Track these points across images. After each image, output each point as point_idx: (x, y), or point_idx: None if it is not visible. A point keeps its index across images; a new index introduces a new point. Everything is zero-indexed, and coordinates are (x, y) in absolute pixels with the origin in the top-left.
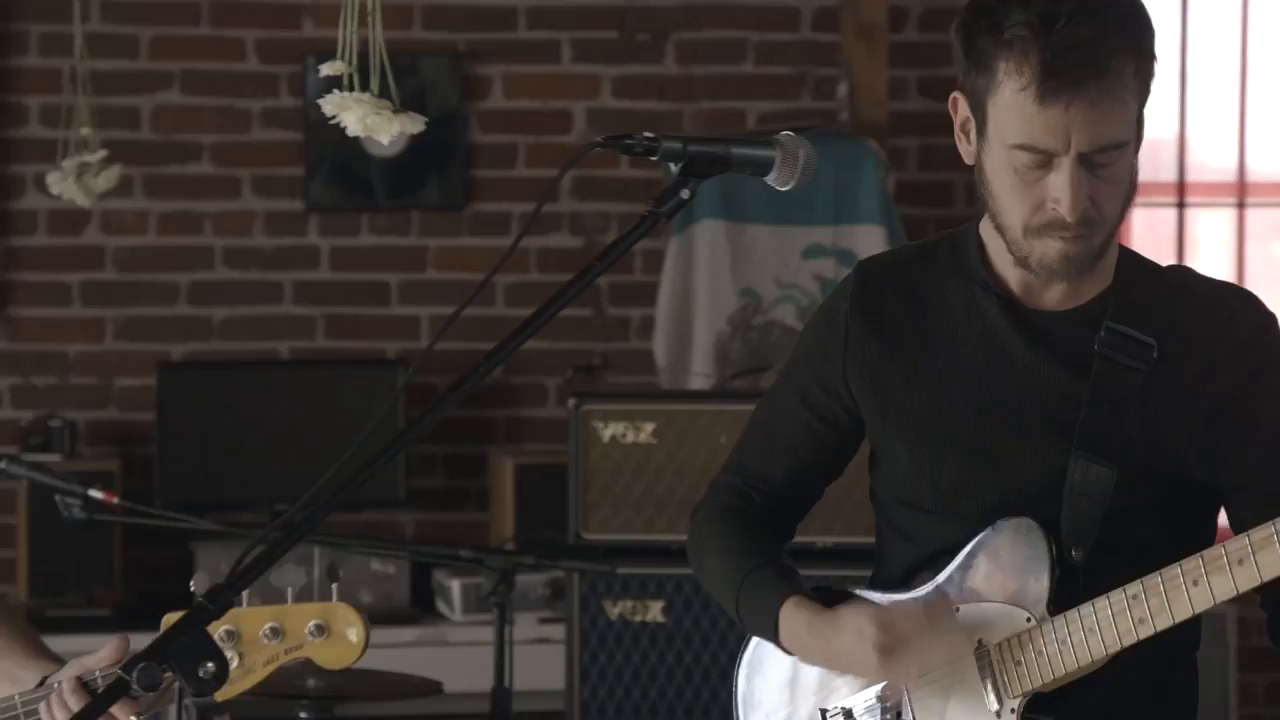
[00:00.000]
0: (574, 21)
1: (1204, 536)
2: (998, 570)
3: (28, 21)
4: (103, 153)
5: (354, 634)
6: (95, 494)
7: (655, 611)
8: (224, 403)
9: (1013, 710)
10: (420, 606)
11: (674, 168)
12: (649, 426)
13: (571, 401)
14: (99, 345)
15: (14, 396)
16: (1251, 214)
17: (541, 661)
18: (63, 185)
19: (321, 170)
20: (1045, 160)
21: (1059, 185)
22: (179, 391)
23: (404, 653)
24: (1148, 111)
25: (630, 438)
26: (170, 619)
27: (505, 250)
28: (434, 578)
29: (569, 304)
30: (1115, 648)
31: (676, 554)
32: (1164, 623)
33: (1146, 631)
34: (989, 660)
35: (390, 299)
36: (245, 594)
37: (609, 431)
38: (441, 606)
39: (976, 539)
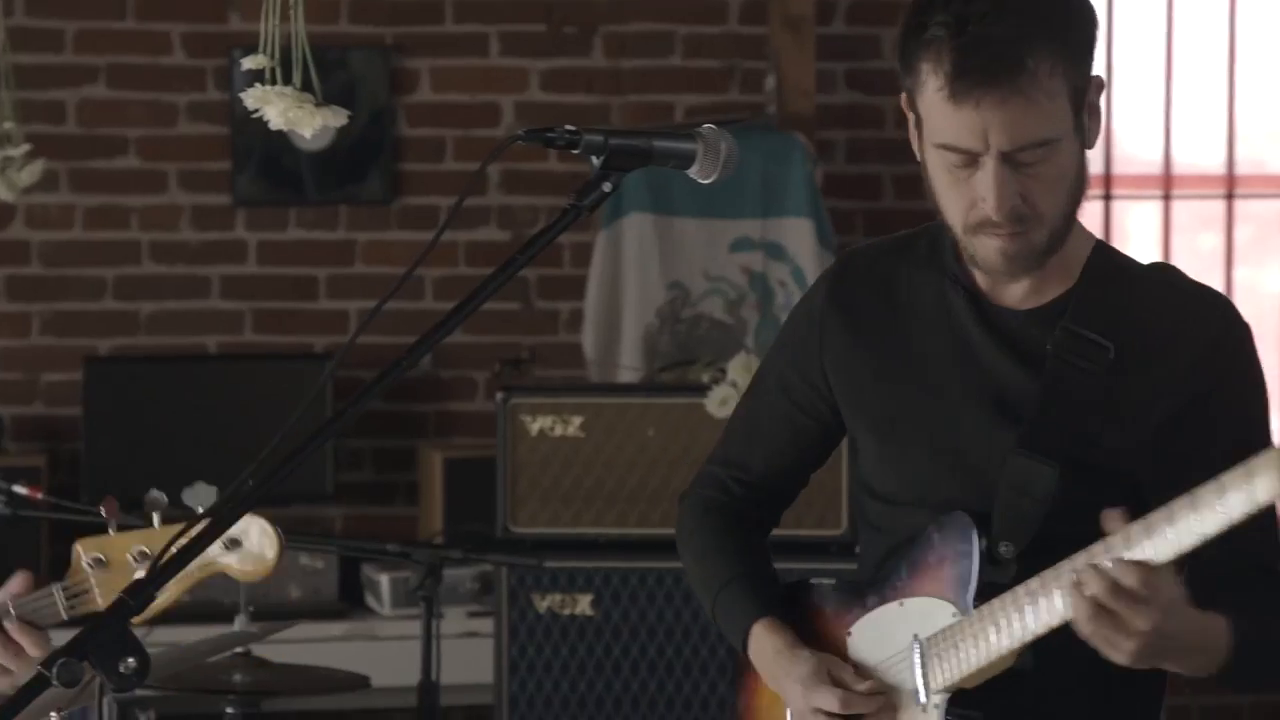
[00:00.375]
0: (501, 15)
1: None
2: (938, 564)
3: None
4: (26, 147)
5: (267, 545)
6: (20, 489)
7: (584, 605)
8: (151, 398)
9: (936, 705)
10: (349, 601)
11: (596, 161)
12: (577, 420)
13: (499, 395)
14: (25, 340)
15: None
16: (1178, 206)
17: (470, 655)
18: None
19: (249, 164)
20: (971, 159)
21: (984, 184)
22: (106, 386)
23: (332, 647)
24: None
25: (558, 431)
26: (81, 544)
27: (440, 245)
28: (362, 572)
29: (493, 296)
30: (1016, 645)
31: (605, 547)
32: (1055, 619)
33: (1041, 628)
34: (922, 653)
35: (318, 293)
36: (156, 515)
37: (537, 425)
38: (370, 601)
39: (922, 533)
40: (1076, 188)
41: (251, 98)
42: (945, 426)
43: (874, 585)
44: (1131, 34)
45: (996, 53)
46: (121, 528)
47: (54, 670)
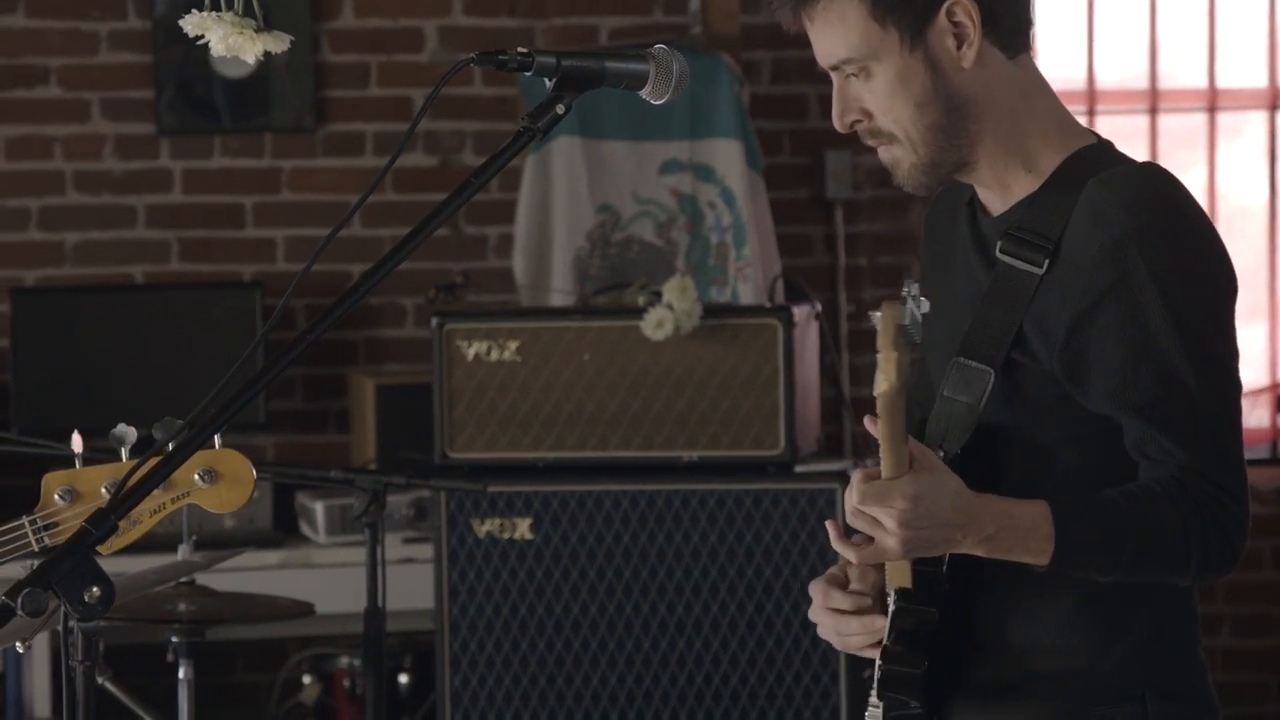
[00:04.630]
0: None
1: (1105, 445)
2: None
3: None
4: None
5: (242, 476)
6: None
7: (523, 529)
8: (79, 328)
9: (892, 604)
10: (284, 529)
11: (549, 83)
12: (513, 344)
13: (435, 320)
14: None
15: None
16: (1101, 121)
17: (408, 581)
18: None
19: (171, 92)
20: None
21: None
22: (33, 318)
23: (270, 575)
24: None
25: (494, 356)
26: (50, 477)
27: (367, 172)
28: (297, 500)
29: (443, 223)
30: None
31: (543, 471)
32: None
33: None
34: None
35: (245, 221)
36: (124, 449)
37: (473, 350)
38: (305, 529)
39: None
40: (932, 106)
41: (191, 24)
42: (946, 337)
43: None
44: None
45: None
46: (86, 461)
47: (19, 600)
